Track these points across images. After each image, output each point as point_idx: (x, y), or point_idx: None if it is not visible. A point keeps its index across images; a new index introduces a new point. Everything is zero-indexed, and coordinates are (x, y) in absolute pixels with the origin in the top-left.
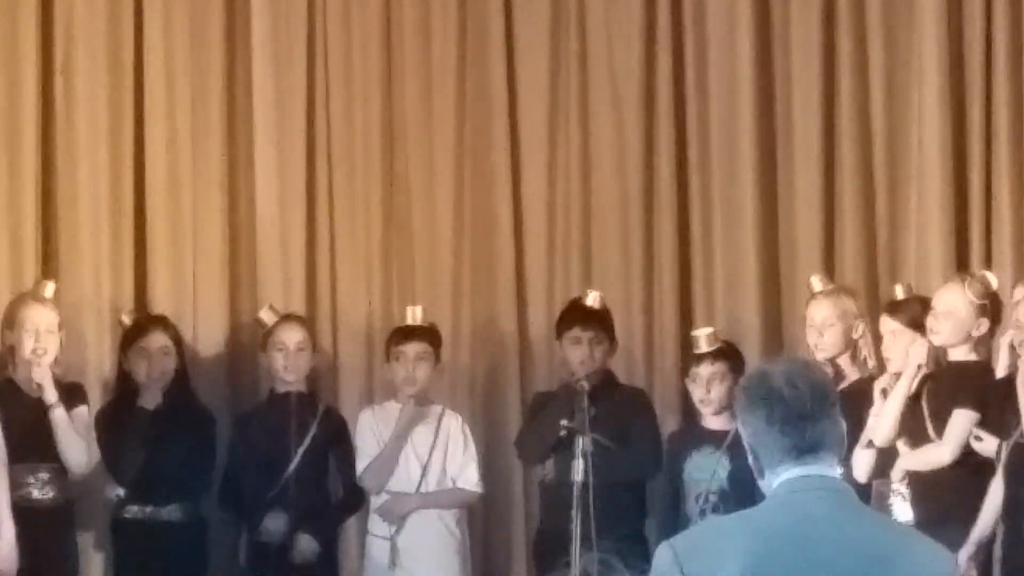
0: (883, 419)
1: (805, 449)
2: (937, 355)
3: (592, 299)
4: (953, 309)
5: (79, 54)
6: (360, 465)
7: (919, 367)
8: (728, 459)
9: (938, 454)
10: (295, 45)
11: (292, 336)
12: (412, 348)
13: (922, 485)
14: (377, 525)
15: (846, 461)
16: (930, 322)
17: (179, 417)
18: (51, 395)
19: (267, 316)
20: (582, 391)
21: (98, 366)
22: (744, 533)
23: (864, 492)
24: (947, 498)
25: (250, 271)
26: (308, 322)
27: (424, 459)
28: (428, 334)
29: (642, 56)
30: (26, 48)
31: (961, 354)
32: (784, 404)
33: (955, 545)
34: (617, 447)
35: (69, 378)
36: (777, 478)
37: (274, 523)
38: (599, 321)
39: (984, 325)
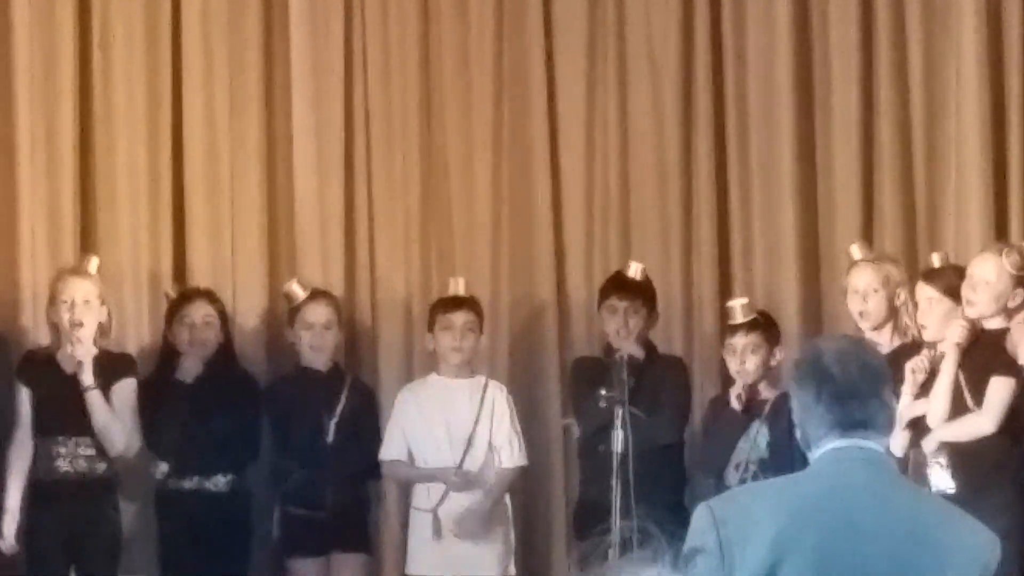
0: (935, 401)
1: (849, 426)
2: (973, 324)
3: (633, 270)
4: (989, 279)
5: (117, 28)
6: (386, 452)
7: (958, 345)
8: (768, 428)
9: (978, 424)
10: (333, 17)
11: (320, 315)
12: (460, 318)
13: (962, 455)
14: (420, 498)
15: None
16: (966, 292)
17: (222, 387)
18: (88, 378)
19: (295, 292)
20: (621, 361)
21: (137, 339)
22: (782, 498)
23: (900, 465)
24: (989, 467)
25: (289, 243)
26: (336, 299)
27: (468, 431)
28: (474, 305)
29: (680, 26)
30: (64, 23)
31: (996, 324)
32: (833, 382)
33: (999, 513)
34: (646, 415)
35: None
36: (820, 450)
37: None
38: (637, 291)
39: (1020, 296)
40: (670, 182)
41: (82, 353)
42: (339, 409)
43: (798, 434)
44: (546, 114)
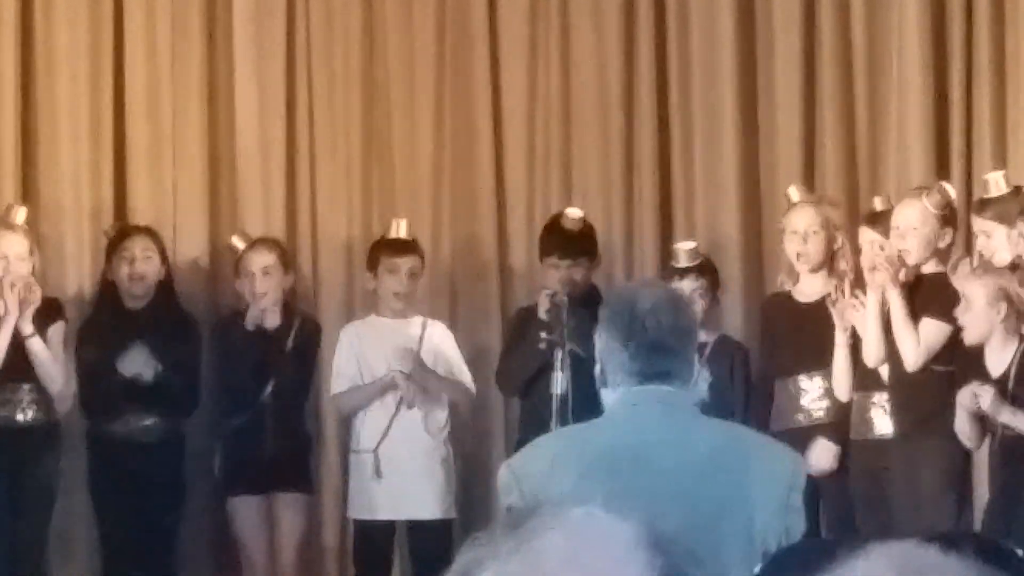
0: (866, 345)
1: (650, 376)
2: (896, 263)
3: (571, 222)
4: (916, 224)
5: None
6: (337, 385)
7: (879, 287)
8: (708, 371)
9: (905, 360)
10: None
11: (259, 261)
12: (405, 262)
13: (901, 398)
14: (359, 439)
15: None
16: (896, 242)
17: (163, 327)
18: (27, 327)
19: (238, 242)
20: (561, 305)
21: (78, 276)
22: (578, 445)
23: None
24: (927, 410)
25: (230, 183)
26: (279, 245)
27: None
28: (417, 248)
29: None
30: None
31: (930, 267)
32: (643, 334)
33: (937, 455)
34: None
35: (48, 291)
36: (616, 392)
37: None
38: (577, 246)
39: (948, 235)
40: (612, 124)
41: (11, 308)
42: (287, 348)
43: (597, 370)
44: (488, 55)
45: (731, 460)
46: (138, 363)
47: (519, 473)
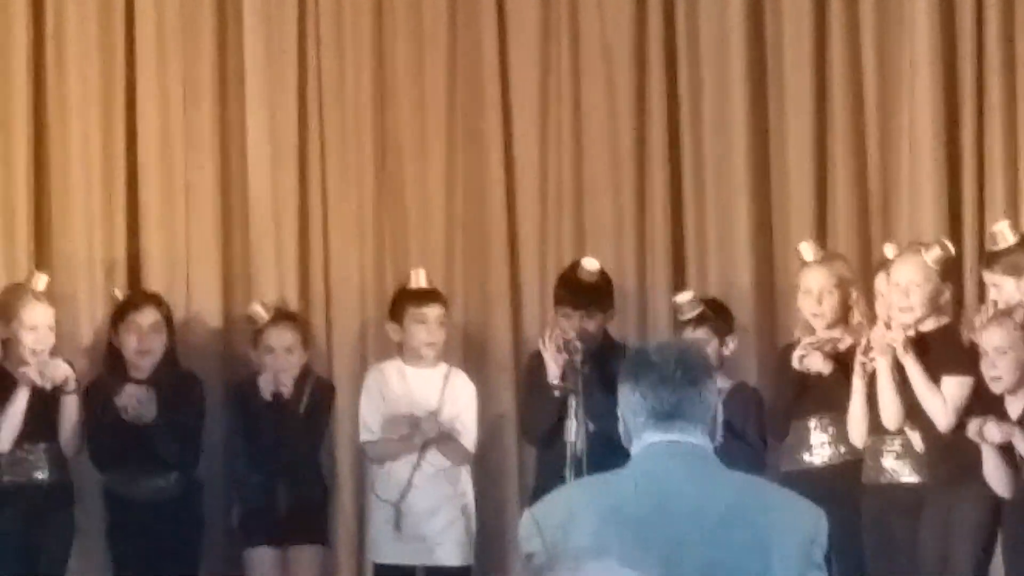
0: (884, 409)
1: (664, 414)
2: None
3: (586, 273)
4: (919, 281)
5: (70, 18)
6: (365, 434)
7: (885, 355)
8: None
9: (937, 419)
10: (286, 6)
11: (281, 339)
12: (433, 312)
13: (934, 448)
14: (382, 487)
15: (841, 423)
16: (898, 300)
17: (165, 388)
18: (71, 384)
19: (257, 313)
20: (575, 351)
21: (91, 328)
22: (599, 494)
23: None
24: (960, 461)
25: (243, 233)
26: (300, 320)
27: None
28: (443, 298)
29: (633, 18)
30: (17, 12)
31: (932, 323)
32: (649, 369)
33: (970, 506)
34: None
35: (59, 344)
36: (641, 444)
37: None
38: (591, 297)
39: (948, 290)
40: (624, 172)
41: (50, 375)
42: (303, 404)
43: (621, 429)
44: (500, 104)
45: (751, 513)
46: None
47: (541, 522)
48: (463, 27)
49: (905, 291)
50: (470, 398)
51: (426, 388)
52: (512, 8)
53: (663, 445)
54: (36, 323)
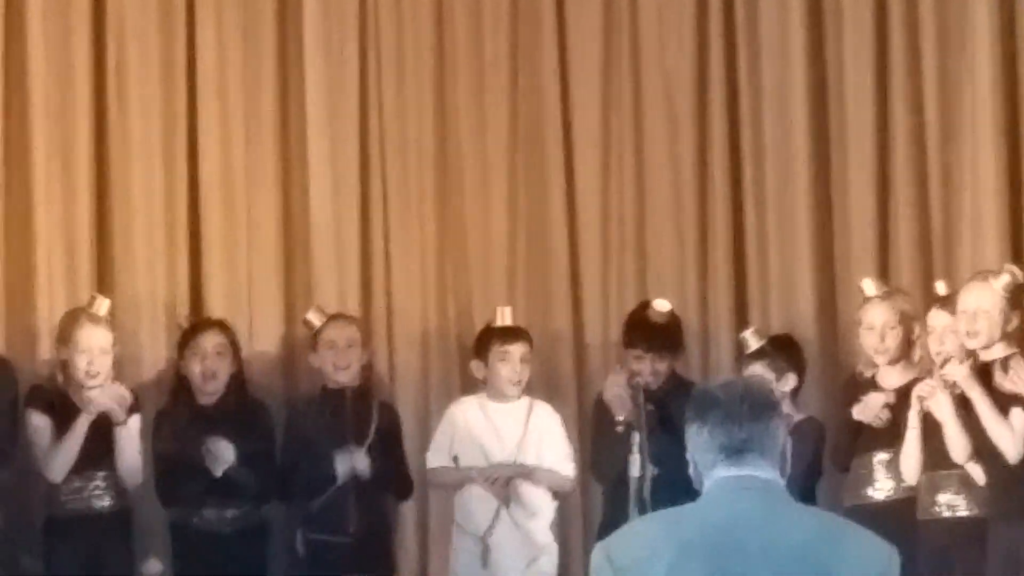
0: (951, 442)
1: (734, 450)
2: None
3: (657, 315)
4: (987, 308)
5: (132, 54)
6: (437, 457)
7: (920, 399)
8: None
9: (1005, 450)
10: (347, 42)
11: (342, 333)
12: (518, 349)
13: (992, 480)
14: (467, 520)
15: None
16: (966, 325)
17: (235, 418)
18: (119, 415)
19: (314, 317)
20: (638, 387)
21: (153, 366)
22: (672, 529)
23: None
24: (1019, 494)
25: (305, 269)
26: (357, 319)
27: (512, 453)
28: (527, 336)
29: (694, 51)
30: (79, 49)
31: (997, 351)
32: (717, 407)
33: None
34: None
35: (123, 382)
36: (711, 481)
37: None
38: (663, 338)
39: (1016, 318)
40: (686, 209)
41: (103, 403)
42: (371, 430)
43: (691, 470)
44: (561, 141)
45: (823, 549)
46: (223, 455)
47: (613, 556)
48: (524, 59)
49: (972, 317)
50: (556, 424)
51: (508, 420)
52: (573, 39)
53: (734, 479)
54: (89, 345)
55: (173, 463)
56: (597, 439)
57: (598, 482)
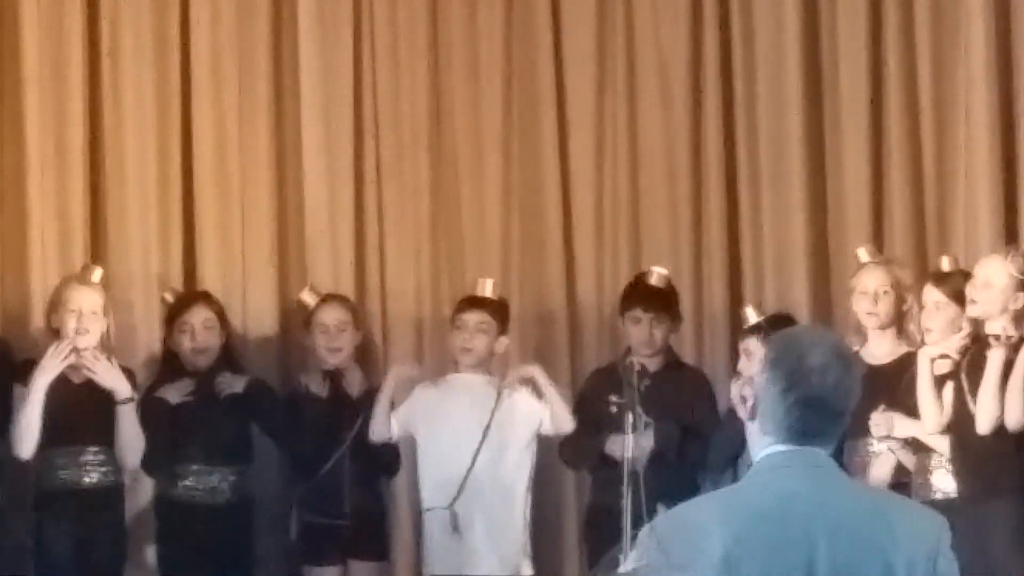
0: (924, 412)
1: (801, 434)
2: (975, 327)
3: (655, 278)
4: (992, 281)
5: (125, 36)
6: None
7: (932, 361)
8: None
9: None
10: (341, 23)
11: (333, 316)
12: (472, 317)
13: (967, 459)
14: (433, 498)
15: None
16: (969, 291)
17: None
18: (124, 390)
19: (308, 297)
20: (631, 368)
21: (147, 344)
22: (724, 512)
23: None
24: (994, 471)
25: (299, 249)
26: (350, 301)
27: (482, 432)
28: (491, 305)
29: (689, 30)
30: (73, 31)
31: (997, 327)
32: (807, 385)
33: (1004, 516)
34: (681, 431)
35: (119, 360)
36: (762, 441)
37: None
38: (661, 300)
39: (1022, 299)
40: (680, 188)
41: (103, 371)
42: (361, 414)
43: (749, 404)
44: (555, 120)
45: (877, 523)
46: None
47: (664, 535)
48: (518, 43)
49: (976, 285)
50: (528, 397)
51: (480, 396)
52: (567, 19)
53: (783, 456)
54: (79, 305)
55: (159, 431)
56: (572, 437)
57: (565, 463)
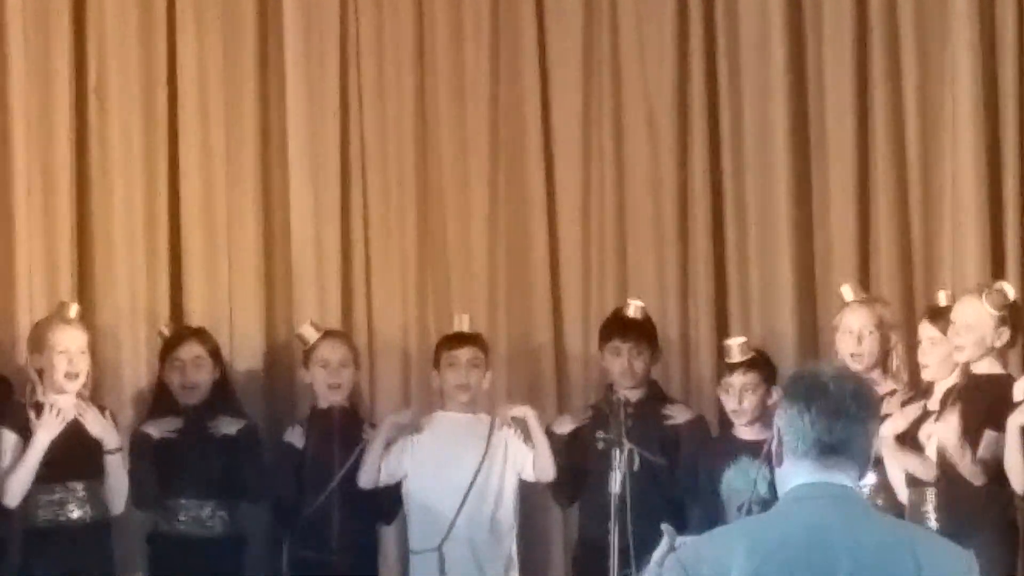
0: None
1: (828, 447)
2: (964, 368)
3: (633, 310)
4: (971, 322)
5: (112, 72)
6: (368, 477)
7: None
8: (768, 469)
9: (970, 473)
10: (328, 59)
11: (336, 352)
12: (464, 354)
13: (949, 496)
14: (418, 540)
15: (878, 468)
16: (952, 338)
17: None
18: (112, 441)
19: (309, 333)
20: (618, 403)
21: (134, 380)
22: (749, 541)
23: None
24: (975, 509)
25: (285, 285)
26: (351, 338)
27: (473, 471)
28: (477, 340)
29: (675, 65)
30: (59, 68)
31: (985, 366)
32: (824, 397)
33: (985, 556)
34: (667, 466)
35: (103, 396)
36: (792, 478)
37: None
38: (640, 331)
39: (1005, 335)
40: (666, 223)
41: (94, 423)
42: (358, 449)
43: (774, 444)
44: (542, 154)
45: (902, 556)
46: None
47: (689, 563)
48: (505, 75)
49: (957, 331)
50: (515, 439)
51: (467, 438)
52: (554, 55)
53: (812, 487)
54: (67, 346)
55: (147, 469)
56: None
57: (558, 503)
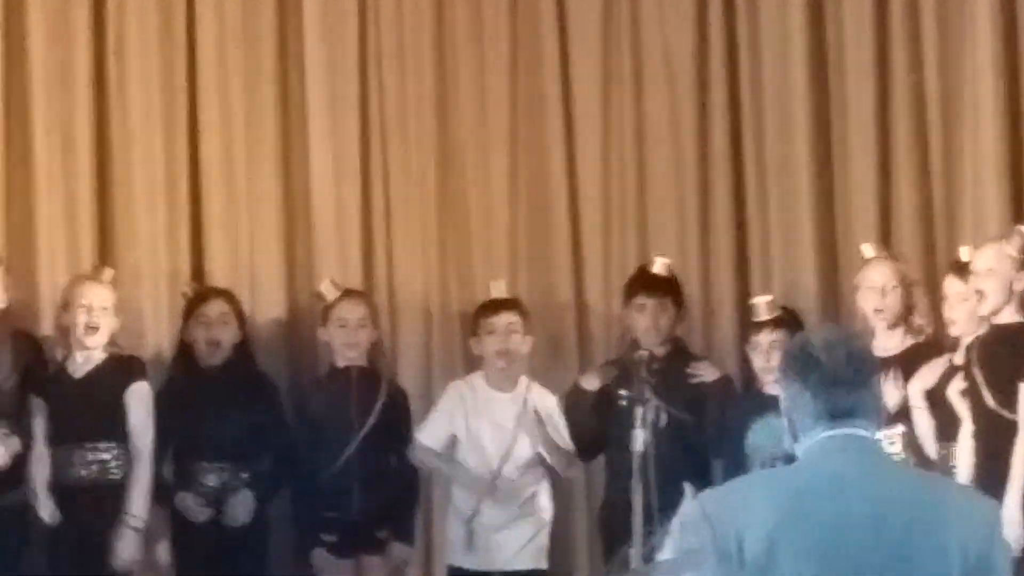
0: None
1: (837, 415)
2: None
3: (658, 266)
4: (992, 266)
5: (131, 34)
6: (427, 435)
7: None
8: None
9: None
10: (347, 18)
11: (354, 312)
12: (502, 319)
13: (986, 449)
14: (459, 501)
15: (897, 423)
16: (975, 286)
17: (239, 387)
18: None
19: (328, 291)
20: (641, 360)
21: (156, 341)
22: (773, 491)
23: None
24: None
25: (306, 245)
26: (370, 297)
27: (508, 439)
28: (518, 305)
29: (694, 25)
30: (79, 30)
31: (1007, 315)
32: (820, 370)
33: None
34: (693, 422)
35: (127, 347)
36: (809, 441)
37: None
38: (665, 288)
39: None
40: (687, 180)
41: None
42: (376, 408)
43: (785, 423)
44: (562, 113)
45: (928, 505)
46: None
47: (712, 512)
48: (524, 36)
49: (979, 277)
50: (555, 410)
51: (505, 411)
52: (573, 13)
53: (836, 439)
54: (89, 301)
55: (175, 436)
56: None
57: (581, 458)
